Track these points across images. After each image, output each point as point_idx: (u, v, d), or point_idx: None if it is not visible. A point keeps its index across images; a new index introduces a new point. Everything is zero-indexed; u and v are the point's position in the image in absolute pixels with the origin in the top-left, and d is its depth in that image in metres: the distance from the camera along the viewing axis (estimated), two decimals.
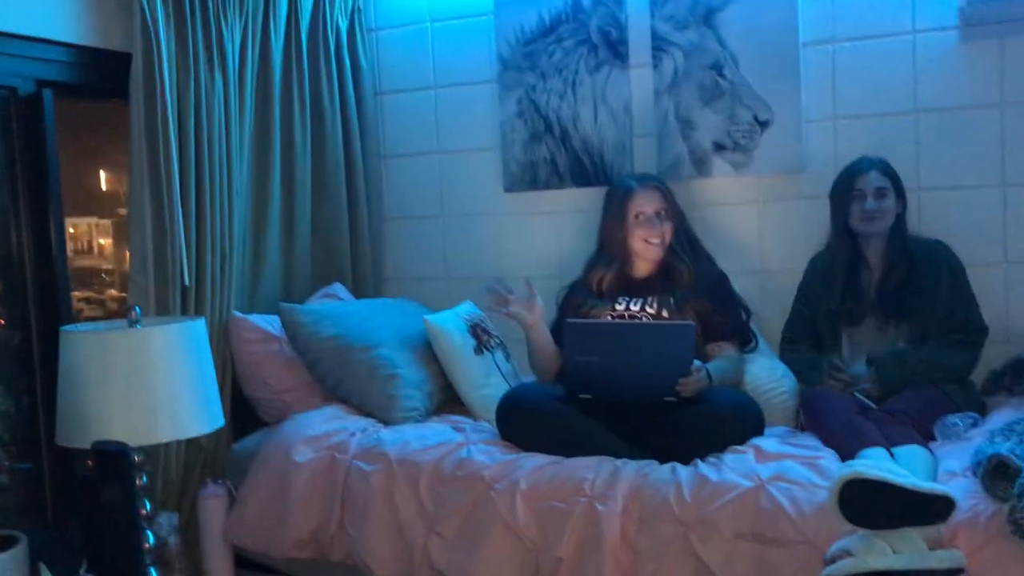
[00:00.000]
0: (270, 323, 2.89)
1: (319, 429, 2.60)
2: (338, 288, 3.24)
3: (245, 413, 2.91)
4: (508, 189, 3.37)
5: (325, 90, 3.28)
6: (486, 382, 2.83)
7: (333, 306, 3.05)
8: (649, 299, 2.77)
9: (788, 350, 2.83)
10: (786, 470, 2.15)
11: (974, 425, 2.38)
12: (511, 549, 2.24)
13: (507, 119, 3.34)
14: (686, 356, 2.45)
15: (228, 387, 2.84)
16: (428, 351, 2.87)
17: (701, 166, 3.10)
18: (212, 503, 2.60)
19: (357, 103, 3.42)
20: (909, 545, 1.87)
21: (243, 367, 2.87)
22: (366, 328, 2.86)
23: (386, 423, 2.67)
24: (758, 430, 2.44)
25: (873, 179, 2.66)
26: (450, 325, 2.88)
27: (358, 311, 3.00)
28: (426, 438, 2.52)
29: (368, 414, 2.72)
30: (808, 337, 2.79)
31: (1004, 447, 1.99)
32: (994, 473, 1.94)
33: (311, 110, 3.24)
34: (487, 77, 3.37)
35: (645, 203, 2.77)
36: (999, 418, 2.34)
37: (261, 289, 3.06)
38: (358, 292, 3.34)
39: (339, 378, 2.77)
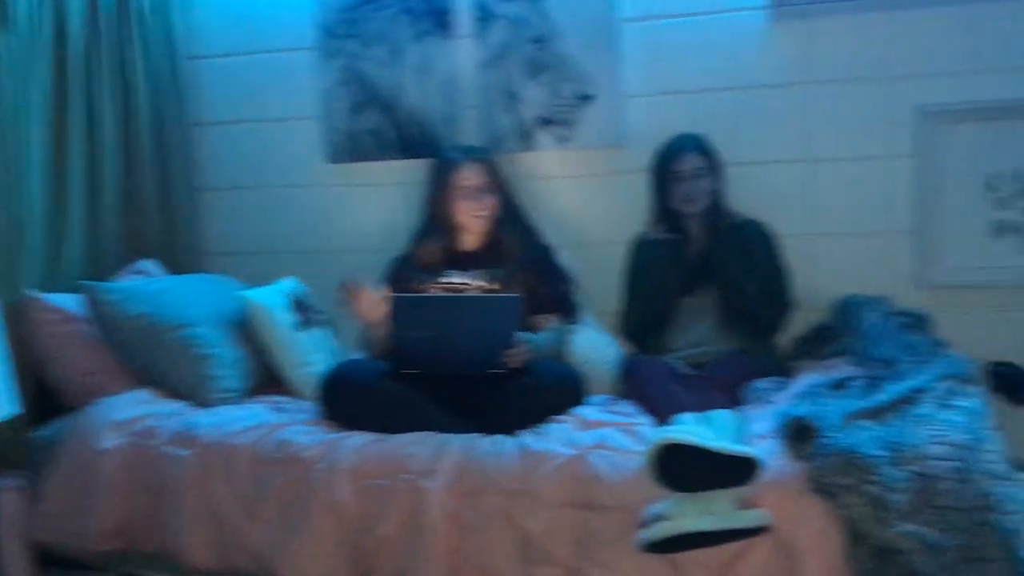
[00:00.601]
0: (72, 302, 2.71)
1: (126, 414, 2.47)
2: (149, 264, 3.06)
3: (46, 400, 2.71)
4: (332, 160, 3.28)
5: (133, 53, 3.08)
6: (309, 360, 2.74)
7: (143, 283, 2.88)
8: (477, 273, 2.76)
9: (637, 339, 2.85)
10: (606, 438, 2.19)
11: (780, 389, 2.49)
12: (333, 530, 2.19)
13: (329, 87, 3.23)
14: (512, 328, 2.45)
15: (26, 372, 2.63)
16: (247, 329, 2.75)
17: (526, 139, 3.10)
18: (8, 497, 2.41)
19: (169, 67, 3.24)
20: (719, 507, 1.93)
21: (42, 350, 2.68)
22: (178, 306, 2.71)
23: (200, 406, 2.56)
24: (581, 399, 2.48)
25: (690, 161, 2.73)
26: (270, 301, 2.78)
27: (170, 288, 2.84)
28: (243, 420, 2.43)
29: (180, 397, 2.60)
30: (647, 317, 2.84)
31: (805, 409, 2.10)
32: (796, 434, 2.04)
33: (117, 75, 3.04)
34: (307, 43, 3.25)
35: (469, 175, 2.75)
36: (802, 382, 2.46)
37: (63, 266, 2.85)
38: (172, 268, 3.17)
39: (148, 359, 2.64)
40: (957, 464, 1.86)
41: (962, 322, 2.84)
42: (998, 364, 2.67)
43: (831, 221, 2.94)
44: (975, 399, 2.13)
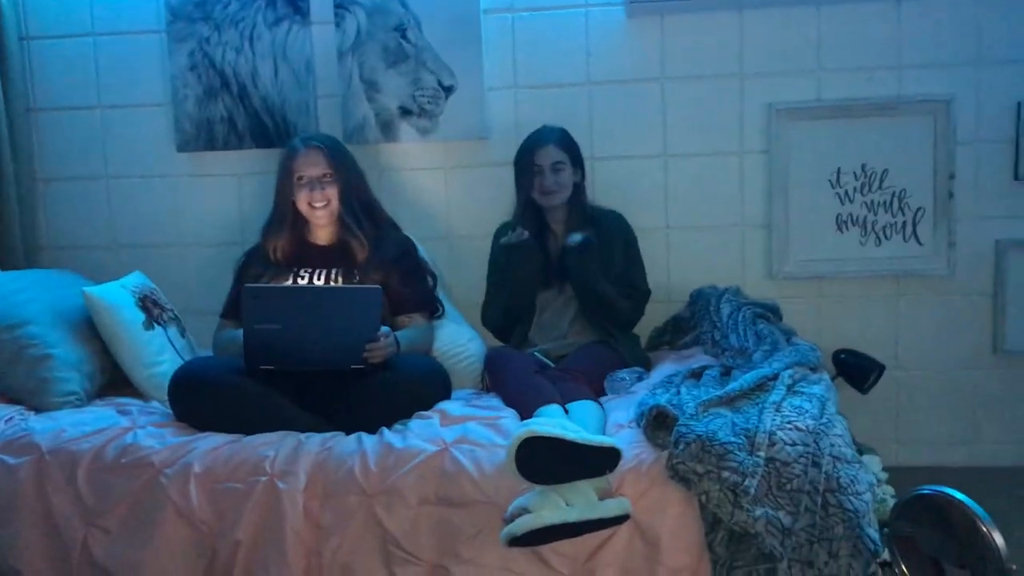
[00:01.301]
0: None
1: None
2: None
3: None
4: (181, 148, 3.14)
5: None
6: (157, 360, 2.61)
7: None
8: (333, 271, 2.67)
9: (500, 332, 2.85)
10: (469, 432, 2.17)
11: (640, 379, 2.54)
12: (185, 537, 2.10)
13: (178, 73, 3.09)
14: (372, 321, 2.38)
15: None
16: (90, 328, 2.60)
17: (388, 130, 3.05)
18: None
19: None
20: (581, 497, 1.94)
21: None
22: (12, 303, 2.55)
23: (38, 410, 2.42)
24: (445, 394, 2.45)
25: (550, 154, 2.73)
26: (115, 298, 2.63)
27: (3, 284, 2.65)
28: (85, 424, 2.29)
29: (15, 401, 2.45)
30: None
31: (663, 399, 2.14)
32: (654, 423, 2.07)
33: None
34: (154, 26, 3.10)
35: (308, 165, 2.64)
36: (660, 372, 2.52)
37: None
38: (5, 263, 2.98)
39: None
40: (806, 449, 1.93)
41: (809, 312, 2.98)
42: (842, 351, 2.81)
43: (686, 214, 3.02)
44: (822, 385, 2.22)
